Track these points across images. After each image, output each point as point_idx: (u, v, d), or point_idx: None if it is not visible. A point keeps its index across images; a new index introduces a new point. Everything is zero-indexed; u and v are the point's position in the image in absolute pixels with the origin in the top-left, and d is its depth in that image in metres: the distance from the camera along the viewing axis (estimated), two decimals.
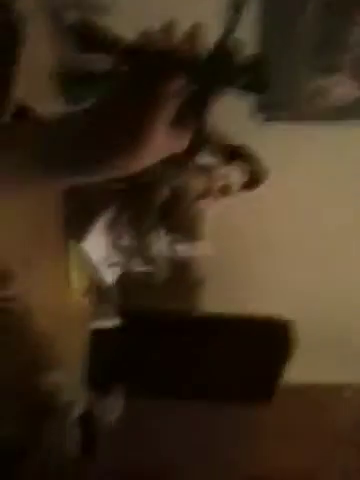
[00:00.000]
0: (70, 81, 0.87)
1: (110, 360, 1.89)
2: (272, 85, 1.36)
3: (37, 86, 0.94)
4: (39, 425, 0.58)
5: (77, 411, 0.65)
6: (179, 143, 0.49)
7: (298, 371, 2.21)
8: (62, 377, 0.67)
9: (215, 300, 2.17)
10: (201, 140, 0.46)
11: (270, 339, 2.09)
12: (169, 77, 0.44)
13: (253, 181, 1.57)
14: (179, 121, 0.47)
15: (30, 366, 0.66)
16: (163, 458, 2.53)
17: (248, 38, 1.33)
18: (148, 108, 0.46)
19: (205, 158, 1.44)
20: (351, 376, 2.61)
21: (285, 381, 2.19)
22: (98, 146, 0.49)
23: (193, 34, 0.46)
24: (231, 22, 0.45)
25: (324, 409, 2.73)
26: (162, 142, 0.48)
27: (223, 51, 0.45)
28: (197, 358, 2.08)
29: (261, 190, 1.59)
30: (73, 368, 0.74)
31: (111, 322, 1.57)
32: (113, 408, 2.04)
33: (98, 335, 1.53)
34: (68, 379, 0.68)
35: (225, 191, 1.54)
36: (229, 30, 0.45)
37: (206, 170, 1.45)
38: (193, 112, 0.47)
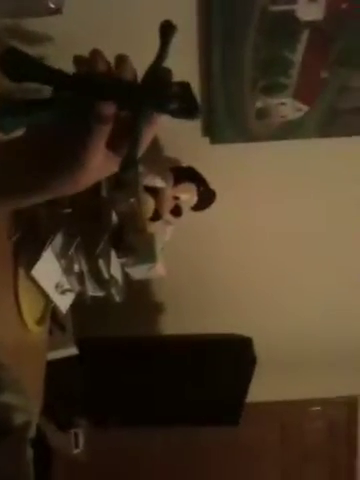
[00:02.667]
0: (3, 109, 0.87)
1: (71, 391, 1.85)
2: (217, 107, 1.40)
3: None
4: None
5: (31, 433, 0.64)
6: (115, 164, 0.50)
7: (262, 389, 2.22)
8: (16, 399, 0.66)
9: (174, 322, 2.17)
10: (131, 160, 0.47)
11: (231, 357, 2.09)
12: (101, 103, 0.46)
13: (203, 202, 1.60)
14: (114, 144, 0.49)
15: None
16: None
17: (191, 61, 1.37)
18: (83, 130, 0.47)
19: (154, 180, 1.46)
20: (315, 391, 2.63)
21: (250, 400, 2.19)
22: (36, 169, 0.50)
23: (121, 60, 0.48)
24: (161, 50, 0.47)
25: (291, 425, 2.74)
26: (99, 164, 0.50)
27: (153, 79, 0.47)
28: (159, 383, 2.06)
29: (212, 210, 1.62)
30: (28, 393, 0.72)
31: (69, 351, 1.54)
32: (77, 442, 1.98)
33: (56, 366, 1.50)
34: (21, 402, 0.67)
35: (176, 213, 1.57)
36: (159, 58, 0.47)
37: (155, 193, 1.47)
38: (127, 135, 0.48)
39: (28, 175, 0.50)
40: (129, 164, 0.47)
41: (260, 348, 2.12)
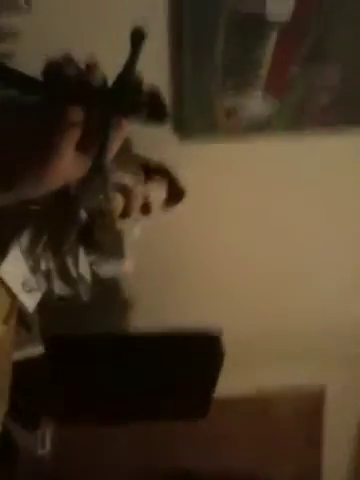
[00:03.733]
0: None
1: (37, 391, 1.83)
2: (186, 105, 1.40)
3: None
4: None
5: None
6: (85, 167, 0.50)
7: (235, 382, 2.24)
8: None
9: (144, 318, 2.16)
10: (100, 165, 0.47)
11: (200, 353, 2.11)
12: (70, 105, 0.46)
13: (173, 198, 1.59)
14: (84, 146, 0.49)
15: None
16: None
17: (159, 59, 1.36)
18: (52, 134, 0.47)
19: (123, 177, 1.44)
20: (290, 379, 2.66)
21: (220, 393, 2.21)
22: (3, 170, 0.49)
23: (91, 65, 0.47)
24: (131, 56, 0.47)
25: (265, 416, 2.77)
26: (68, 166, 0.49)
27: (123, 85, 0.47)
28: (129, 378, 2.05)
29: (182, 207, 1.62)
30: None
31: (35, 350, 1.52)
32: (44, 442, 1.96)
33: (22, 365, 1.48)
34: None
35: (145, 210, 1.55)
36: (129, 64, 0.47)
37: (124, 189, 1.45)
38: (96, 138, 0.48)
39: None
40: (98, 169, 0.47)
41: (229, 339, 2.13)
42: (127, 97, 0.47)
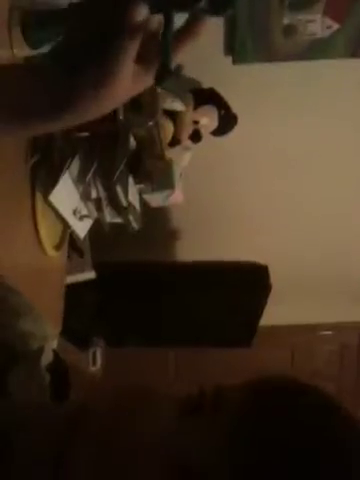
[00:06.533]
0: (32, 24, 0.81)
1: (89, 313, 1.91)
2: (240, 24, 1.30)
3: None
4: (7, 371, 0.58)
5: (47, 357, 0.65)
6: (144, 81, 0.46)
7: (275, 313, 2.26)
8: (31, 325, 0.67)
9: (190, 249, 2.18)
10: (165, 69, 0.43)
11: (247, 284, 2.12)
12: (131, 6, 0.42)
13: (224, 127, 1.54)
14: (144, 57, 0.45)
15: None
16: None
17: None
18: (113, 45, 0.43)
19: (173, 104, 1.40)
20: (328, 316, 2.68)
21: (263, 323, 2.24)
22: (59, 90, 0.47)
23: None
24: None
25: (301, 348, 2.81)
26: (126, 84, 0.46)
27: None
28: (174, 306, 2.10)
29: (232, 134, 1.57)
30: (45, 318, 0.74)
31: (86, 275, 1.56)
32: (95, 360, 2.07)
33: (75, 289, 1.53)
34: (38, 327, 0.68)
35: (195, 138, 1.52)
36: None
37: (174, 117, 1.41)
38: (156, 45, 0.44)
39: (48, 96, 0.47)
40: (164, 74, 0.43)
41: (275, 273, 2.13)
42: None
